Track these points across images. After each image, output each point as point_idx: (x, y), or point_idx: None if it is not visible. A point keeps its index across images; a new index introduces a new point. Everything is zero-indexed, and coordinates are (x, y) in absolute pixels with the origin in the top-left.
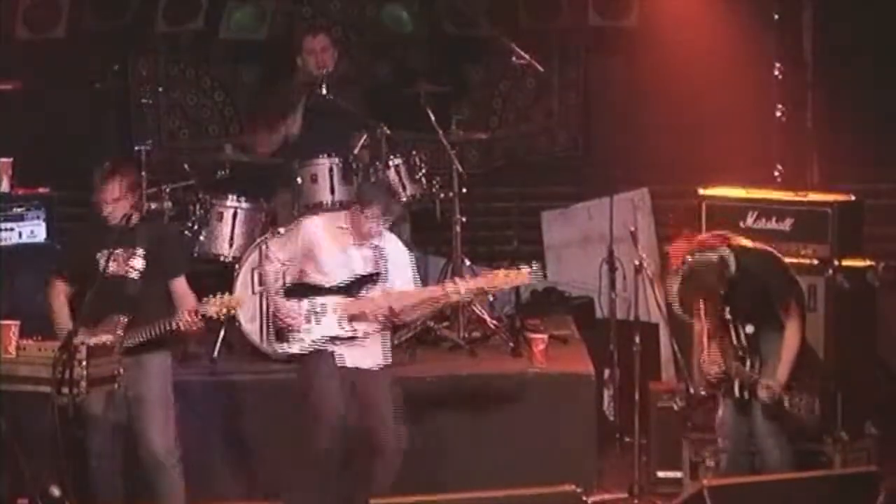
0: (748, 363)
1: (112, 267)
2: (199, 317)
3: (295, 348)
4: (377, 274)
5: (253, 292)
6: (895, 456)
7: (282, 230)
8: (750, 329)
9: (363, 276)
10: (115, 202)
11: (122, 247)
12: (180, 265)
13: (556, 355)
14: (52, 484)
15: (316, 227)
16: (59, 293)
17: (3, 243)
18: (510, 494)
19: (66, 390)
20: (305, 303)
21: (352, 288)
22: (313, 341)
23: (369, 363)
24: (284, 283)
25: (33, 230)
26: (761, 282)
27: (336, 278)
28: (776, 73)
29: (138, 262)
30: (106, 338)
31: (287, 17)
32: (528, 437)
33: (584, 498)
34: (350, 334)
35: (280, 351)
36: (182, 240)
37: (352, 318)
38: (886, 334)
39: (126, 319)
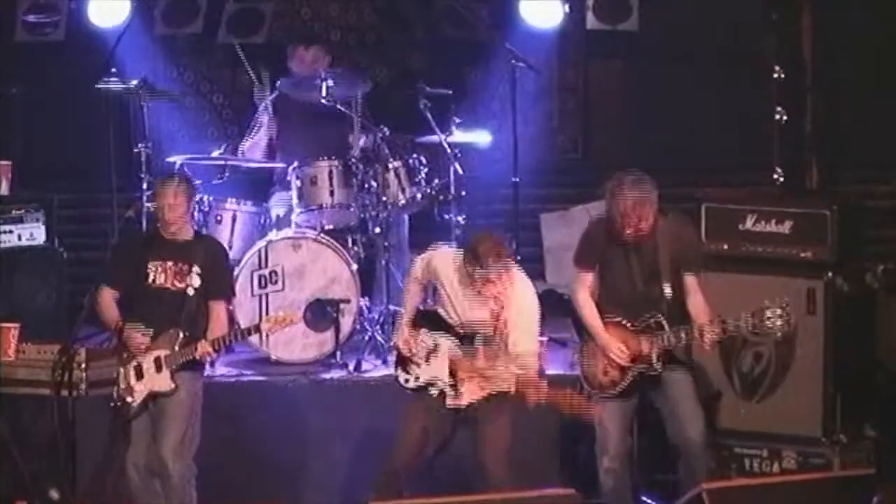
0: (666, 328)
1: (160, 279)
2: (218, 348)
3: (410, 384)
4: (493, 335)
5: (252, 295)
6: (894, 458)
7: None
8: (668, 290)
9: (480, 333)
10: (175, 204)
11: (173, 260)
12: (229, 288)
13: (554, 358)
14: (51, 486)
15: (446, 260)
16: (111, 302)
17: (3, 246)
18: (509, 497)
19: (115, 392)
20: (428, 338)
21: (468, 339)
22: (422, 381)
23: (465, 402)
24: (415, 306)
25: (32, 232)
26: (680, 242)
27: (456, 320)
28: (775, 75)
29: (195, 280)
30: (162, 352)
31: (286, 20)
32: (526, 440)
33: (586, 501)
34: (449, 389)
35: (401, 380)
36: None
37: (459, 371)
38: (885, 337)
39: (184, 335)
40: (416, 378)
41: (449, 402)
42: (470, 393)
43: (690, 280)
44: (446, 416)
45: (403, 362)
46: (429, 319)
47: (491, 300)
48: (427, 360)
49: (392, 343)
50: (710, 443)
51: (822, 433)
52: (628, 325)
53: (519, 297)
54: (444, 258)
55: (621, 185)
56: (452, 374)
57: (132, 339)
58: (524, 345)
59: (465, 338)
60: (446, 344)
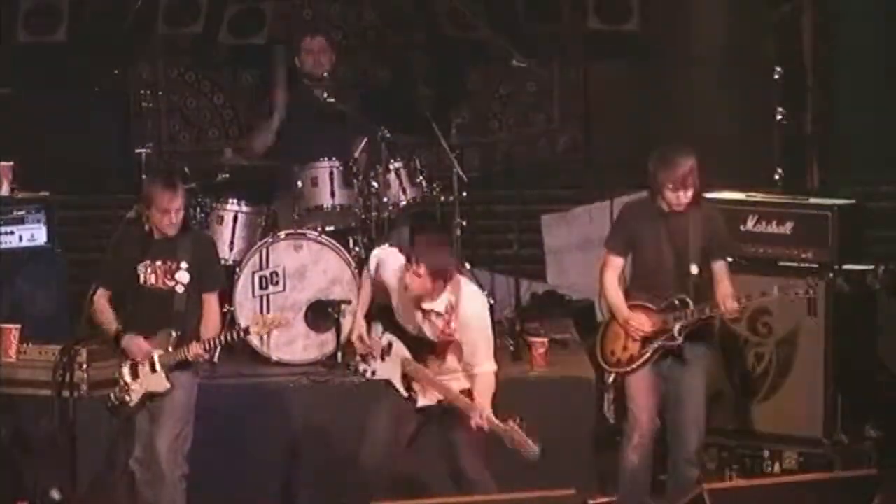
0: (691, 305)
1: (151, 279)
2: (209, 348)
3: (368, 375)
4: (443, 347)
5: (253, 296)
6: (895, 458)
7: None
8: (695, 269)
9: (428, 343)
10: (178, 213)
11: (161, 258)
12: (220, 280)
13: (556, 359)
14: (52, 487)
15: (393, 266)
16: (106, 306)
17: (3, 246)
18: (510, 498)
19: (113, 392)
20: (384, 334)
21: (417, 347)
22: (378, 377)
23: (433, 400)
24: (369, 300)
25: (33, 233)
26: (712, 227)
27: (405, 325)
28: (776, 76)
29: (184, 276)
30: (156, 352)
31: (287, 20)
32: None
33: (587, 501)
34: (405, 391)
35: (360, 370)
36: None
37: (411, 378)
38: (887, 337)
39: (177, 334)
40: (373, 372)
41: (418, 402)
42: (429, 398)
43: (720, 266)
44: (413, 414)
45: (362, 355)
46: (384, 314)
47: (434, 314)
48: (382, 358)
49: (345, 336)
50: (700, 456)
51: (823, 434)
52: (652, 306)
53: (468, 308)
54: (391, 263)
55: (672, 154)
56: (405, 377)
57: (132, 348)
58: (482, 365)
59: (415, 344)
60: (399, 346)
